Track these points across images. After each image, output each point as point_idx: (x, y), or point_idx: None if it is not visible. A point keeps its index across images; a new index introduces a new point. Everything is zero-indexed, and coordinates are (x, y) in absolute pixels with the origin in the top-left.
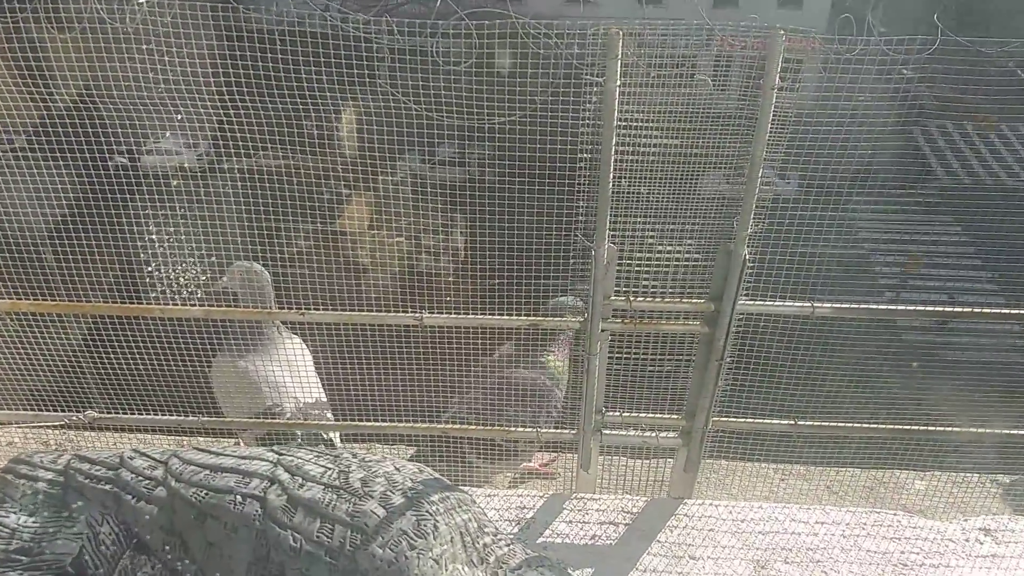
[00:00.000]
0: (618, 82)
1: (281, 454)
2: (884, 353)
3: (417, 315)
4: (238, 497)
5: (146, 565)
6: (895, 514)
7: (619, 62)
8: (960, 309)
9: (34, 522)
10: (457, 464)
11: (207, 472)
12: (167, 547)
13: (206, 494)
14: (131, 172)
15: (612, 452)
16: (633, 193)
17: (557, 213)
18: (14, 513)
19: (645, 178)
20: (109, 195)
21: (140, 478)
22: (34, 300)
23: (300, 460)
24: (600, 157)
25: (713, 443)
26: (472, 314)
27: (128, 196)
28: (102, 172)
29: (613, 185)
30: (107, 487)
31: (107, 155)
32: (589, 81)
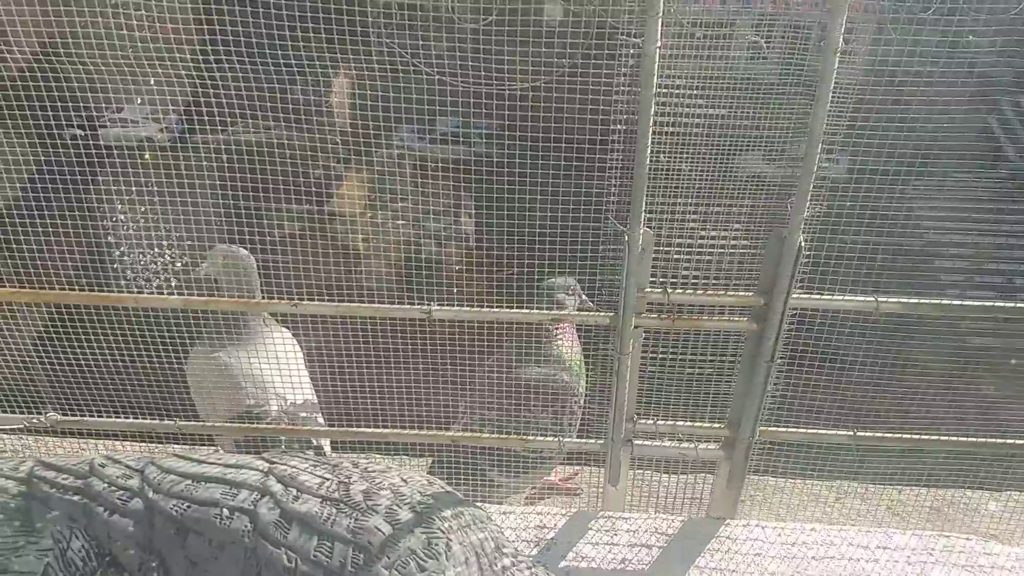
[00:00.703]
0: (658, 44)
1: (273, 462)
2: (954, 355)
3: (425, 308)
4: (225, 511)
5: None
6: (967, 539)
7: (660, 20)
8: None
9: None
10: (472, 478)
11: (189, 482)
12: (144, 566)
13: (188, 507)
14: (94, 145)
15: (644, 466)
16: (673, 170)
17: (584, 192)
18: None
19: (687, 154)
20: (69, 170)
21: (113, 488)
22: None
23: (294, 469)
24: (636, 129)
25: (758, 457)
26: (486, 307)
27: (91, 171)
28: (59, 144)
29: (651, 161)
30: (76, 498)
31: (61, 126)
32: (624, 43)
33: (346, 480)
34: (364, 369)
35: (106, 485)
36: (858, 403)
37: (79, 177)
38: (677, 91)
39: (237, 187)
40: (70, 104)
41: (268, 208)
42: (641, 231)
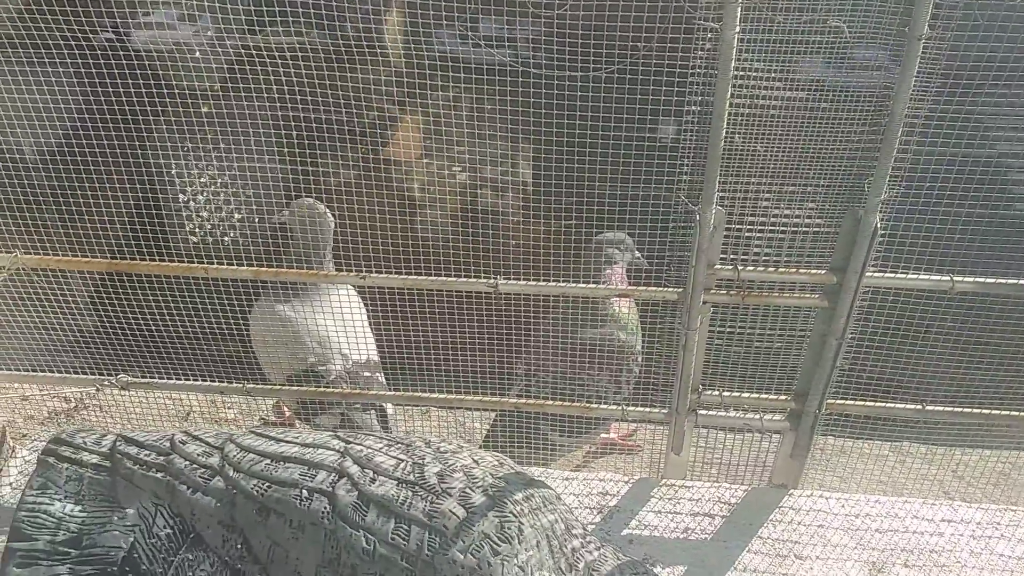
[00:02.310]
0: (737, 30)
1: (348, 442)
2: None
3: (492, 281)
4: (304, 492)
5: (204, 562)
6: None
7: (739, 7)
8: None
9: (81, 511)
10: (531, 440)
11: (268, 462)
12: (227, 544)
13: (269, 487)
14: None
15: (706, 434)
16: (747, 151)
17: (656, 171)
18: (59, 501)
19: (762, 135)
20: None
21: (195, 466)
22: (62, 255)
23: (369, 450)
24: (712, 111)
25: (825, 422)
26: (552, 281)
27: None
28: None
29: (725, 142)
30: (159, 475)
31: (91, 31)
32: (702, 27)
33: (420, 461)
34: (422, 328)
35: (188, 463)
36: (927, 376)
37: (131, 119)
38: (754, 74)
39: (283, 116)
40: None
41: (323, 143)
42: (713, 210)
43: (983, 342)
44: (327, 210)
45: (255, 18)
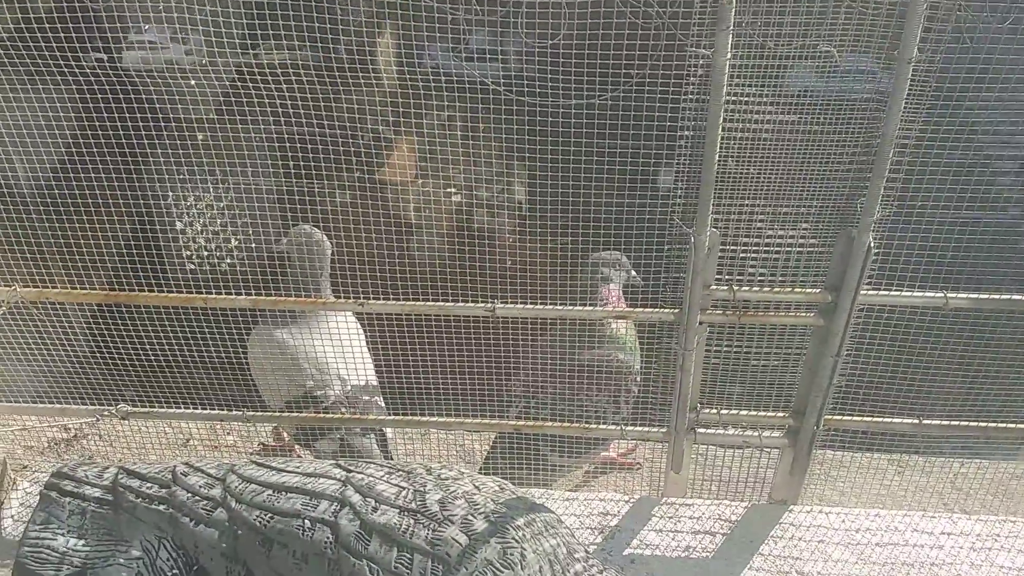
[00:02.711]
0: (728, 55)
1: (350, 471)
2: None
3: (489, 305)
4: (307, 522)
5: None
6: None
7: (730, 34)
8: None
9: (84, 545)
10: (531, 461)
11: (270, 492)
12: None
13: (271, 518)
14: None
15: (705, 452)
16: (740, 173)
17: (650, 194)
18: (62, 535)
19: (755, 157)
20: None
21: (197, 498)
22: (62, 287)
23: (371, 478)
24: (705, 135)
25: (822, 437)
26: (550, 304)
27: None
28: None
29: (719, 165)
30: (161, 507)
31: (81, 51)
32: (694, 53)
33: (421, 489)
34: (421, 351)
35: (190, 495)
36: (924, 391)
37: (125, 143)
38: (746, 98)
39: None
40: (94, 25)
41: (318, 165)
42: (708, 232)
43: (978, 357)
44: (324, 237)
45: (248, 39)
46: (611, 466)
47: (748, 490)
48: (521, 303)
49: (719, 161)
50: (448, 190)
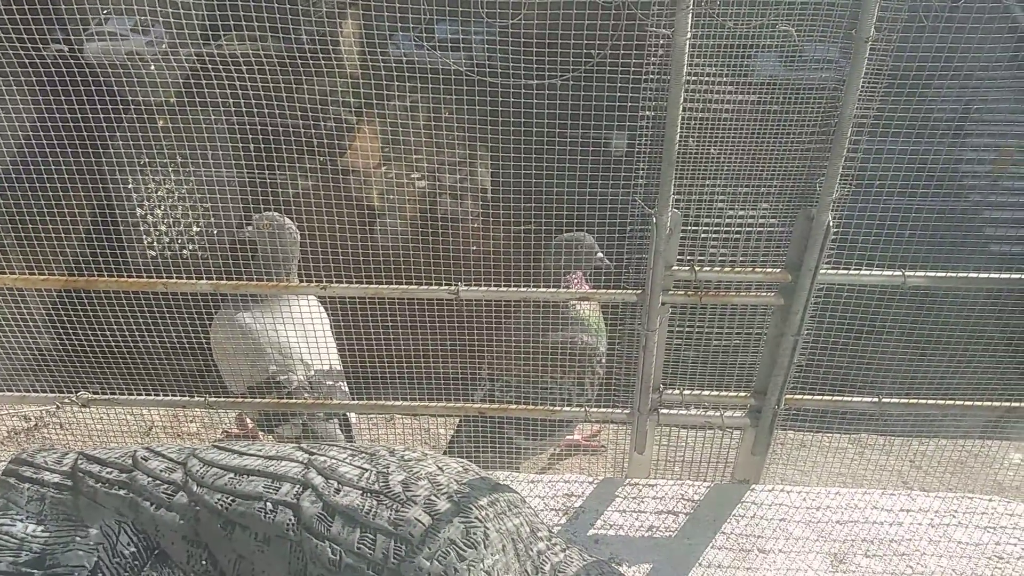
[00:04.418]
0: (688, 35)
1: (312, 453)
2: (984, 320)
3: (452, 288)
4: (268, 504)
5: None
6: (990, 500)
7: (690, 14)
8: None
9: (43, 531)
10: (496, 444)
11: (232, 475)
12: (192, 560)
13: (233, 501)
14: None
15: (669, 432)
16: (701, 154)
17: (612, 175)
18: (20, 521)
19: (715, 138)
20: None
21: (157, 482)
22: (21, 275)
23: (334, 461)
24: (665, 115)
25: (784, 417)
26: (513, 286)
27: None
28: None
29: (679, 146)
30: (122, 492)
31: (42, 42)
32: (654, 33)
33: (384, 470)
34: (386, 336)
35: (150, 479)
36: (885, 369)
37: (86, 133)
38: (706, 78)
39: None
40: (53, 17)
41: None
42: (669, 213)
43: (936, 335)
44: (291, 223)
45: (209, 29)
46: (576, 449)
47: (711, 470)
48: (485, 286)
49: (680, 141)
50: (412, 176)
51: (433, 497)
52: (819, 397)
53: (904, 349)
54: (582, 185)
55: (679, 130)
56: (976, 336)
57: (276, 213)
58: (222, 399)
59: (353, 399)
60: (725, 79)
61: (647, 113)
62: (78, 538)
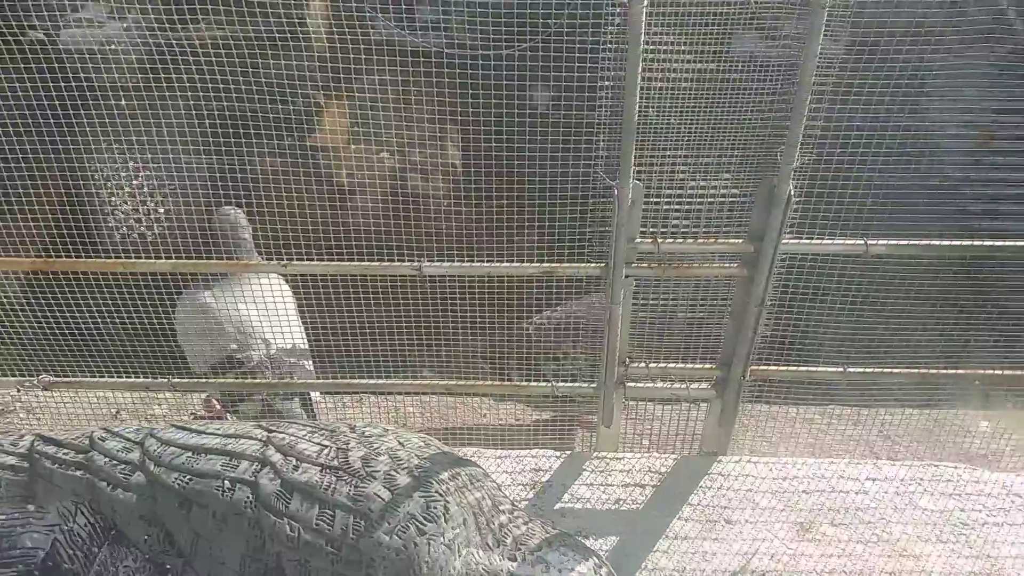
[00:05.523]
0: (645, 3)
1: (271, 431)
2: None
3: (415, 264)
4: (226, 482)
5: (127, 558)
6: (955, 467)
7: None
8: None
9: None
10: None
11: (189, 454)
12: (149, 539)
13: (190, 479)
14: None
15: (636, 407)
16: (662, 124)
17: (573, 147)
18: None
19: (675, 108)
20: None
21: (114, 462)
22: None
23: (293, 438)
24: (624, 85)
25: (751, 389)
26: (477, 261)
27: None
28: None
29: (639, 116)
30: (78, 473)
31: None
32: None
33: (344, 447)
34: (355, 314)
35: (107, 459)
36: (848, 339)
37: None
38: (665, 46)
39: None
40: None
41: (248, 132)
42: (631, 184)
43: (900, 304)
44: (243, 216)
45: (175, 14)
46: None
47: (680, 443)
48: (448, 262)
49: (640, 112)
50: (380, 153)
51: (393, 472)
52: (784, 368)
53: (870, 319)
54: (543, 158)
55: (638, 99)
56: (944, 304)
57: (231, 208)
58: (186, 380)
59: (318, 378)
60: (684, 49)
61: (606, 84)
62: (34, 520)
